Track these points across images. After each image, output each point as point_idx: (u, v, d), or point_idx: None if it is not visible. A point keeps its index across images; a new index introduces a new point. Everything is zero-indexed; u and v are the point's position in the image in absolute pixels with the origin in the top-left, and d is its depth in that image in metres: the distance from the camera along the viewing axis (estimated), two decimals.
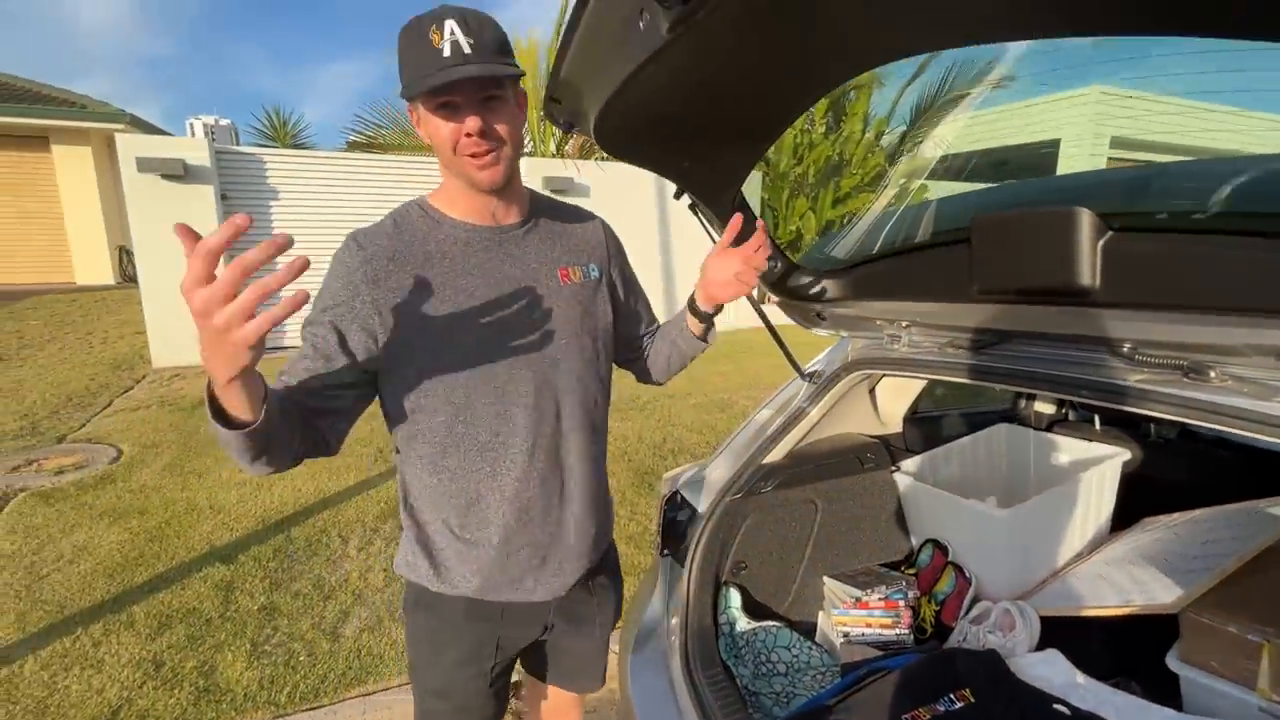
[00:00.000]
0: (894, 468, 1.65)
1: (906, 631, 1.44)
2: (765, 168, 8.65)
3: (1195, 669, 1.10)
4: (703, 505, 1.45)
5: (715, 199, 1.22)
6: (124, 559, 2.83)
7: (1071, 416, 1.96)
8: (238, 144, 8.25)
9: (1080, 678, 1.13)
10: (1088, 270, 0.88)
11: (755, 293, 1.37)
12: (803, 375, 1.54)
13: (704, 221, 1.28)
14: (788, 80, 0.91)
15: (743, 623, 1.40)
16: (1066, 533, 1.49)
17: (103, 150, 11.00)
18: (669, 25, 0.69)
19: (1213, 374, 0.83)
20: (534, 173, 7.79)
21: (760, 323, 1.37)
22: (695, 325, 1.12)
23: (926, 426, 1.88)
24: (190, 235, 0.62)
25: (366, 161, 7.72)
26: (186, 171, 6.37)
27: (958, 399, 2.10)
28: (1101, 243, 0.86)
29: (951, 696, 1.10)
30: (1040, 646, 1.27)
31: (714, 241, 1.33)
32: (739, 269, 1.01)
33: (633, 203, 8.13)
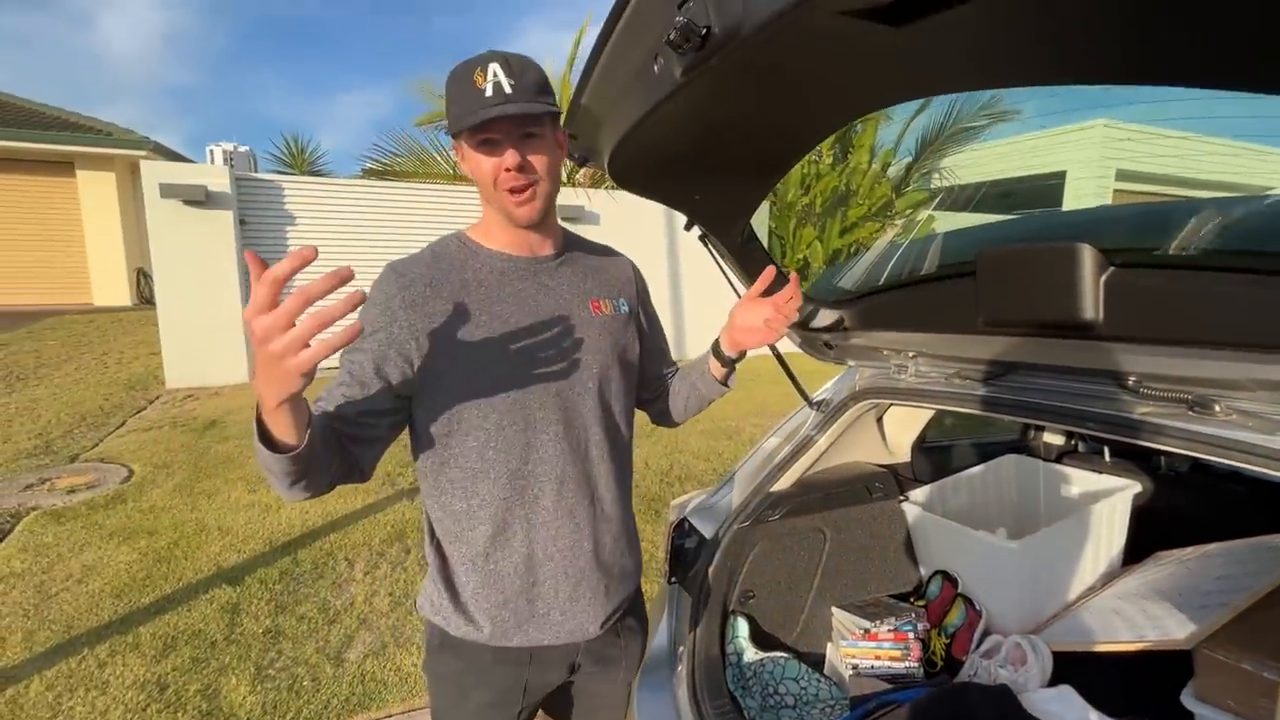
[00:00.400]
0: (902, 497, 1.64)
1: (916, 664, 1.42)
2: (773, 197, 8.76)
3: (1211, 707, 1.08)
4: (711, 533, 1.45)
5: (725, 230, 1.25)
6: (132, 579, 2.84)
7: (1081, 448, 1.95)
8: (256, 170, 8.45)
9: (1094, 715, 1.12)
10: (1091, 305, 0.90)
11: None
12: (811, 404, 1.55)
13: (714, 252, 1.31)
14: (796, 120, 0.94)
15: (750, 653, 1.39)
16: (1078, 565, 1.48)
17: (125, 175, 11.30)
18: (682, 70, 0.73)
19: (1218, 408, 0.84)
20: None
21: (767, 350, 1.39)
22: (717, 369, 1.13)
23: (935, 456, 1.87)
24: (258, 263, 0.64)
25: (382, 189, 7.89)
26: (208, 197, 6.53)
27: (966, 429, 2.10)
28: (1104, 278, 0.88)
29: None
30: (1053, 682, 1.25)
31: (723, 270, 1.36)
32: (770, 316, 1.03)
33: (642, 232, 8.23)
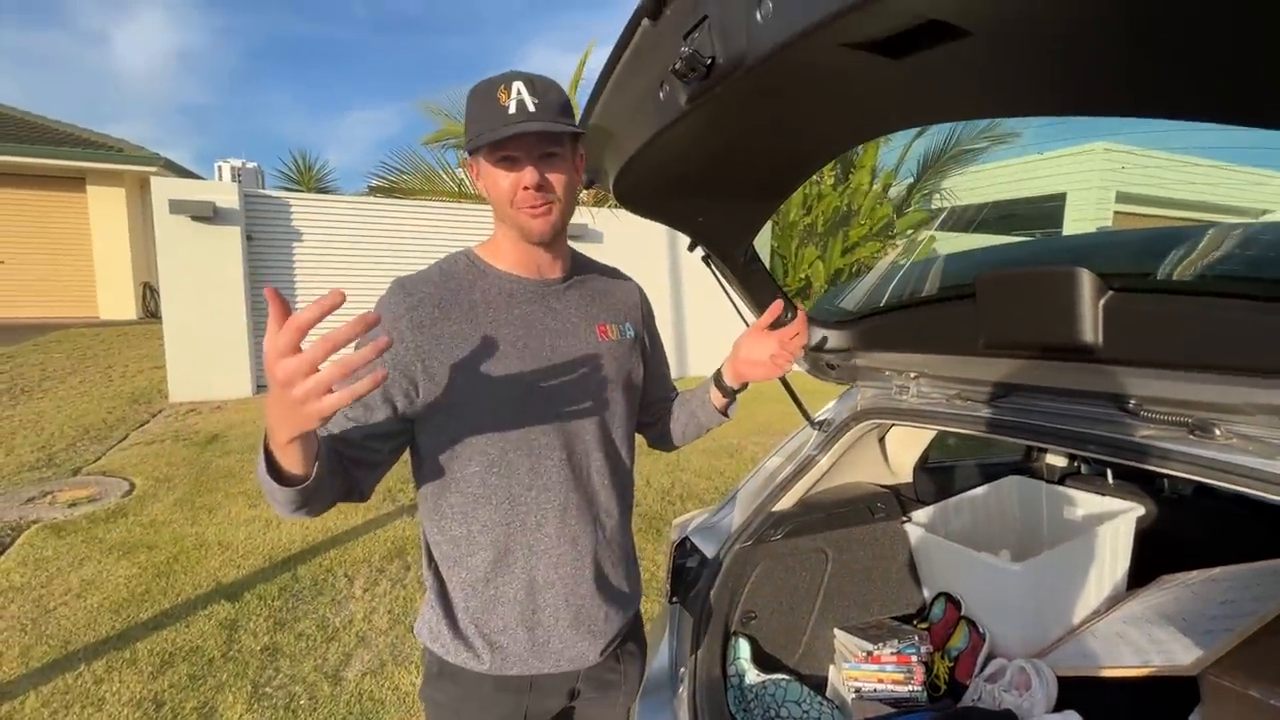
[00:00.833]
0: (905, 518, 1.64)
1: (919, 688, 1.41)
2: (775, 217, 8.83)
3: None
4: (712, 552, 1.45)
5: (728, 251, 1.27)
6: (130, 594, 2.83)
7: (1083, 470, 1.94)
8: (263, 187, 8.55)
9: None
10: (1090, 328, 0.91)
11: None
12: (812, 423, 1.55)
13: (717, 273, 1.33)
14: (798, 146, 0.96)
15: (752, 675, 1.38)
16: (1082, 589, 1.47)
17: (135, 191, 11.44)
18: (688, 98, 0.75)
19: (1218, 431, 0.85)
20: None
21: None
22: (718, 398, 1.12)
23: (937, 477, 1.87)
24: (279, 302, 0.64)
25: (388, 206, 7.97)
26: (216, 213, 6.61)
27: (967, 449, 2.10)
28: (1102, 302, 0.89)
29: None
30: (1058, 707, 1.24)
31: (726, 291, 1.38)
32: (775, 352, 1.02)
33: (645, 251, 8.28)
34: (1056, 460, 1.96)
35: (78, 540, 3.36)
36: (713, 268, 1.32)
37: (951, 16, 0.55)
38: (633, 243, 7.95)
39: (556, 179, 0.90)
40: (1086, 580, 1.48)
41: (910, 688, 1.40)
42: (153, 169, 10.76)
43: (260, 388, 7.10)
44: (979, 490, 1.75)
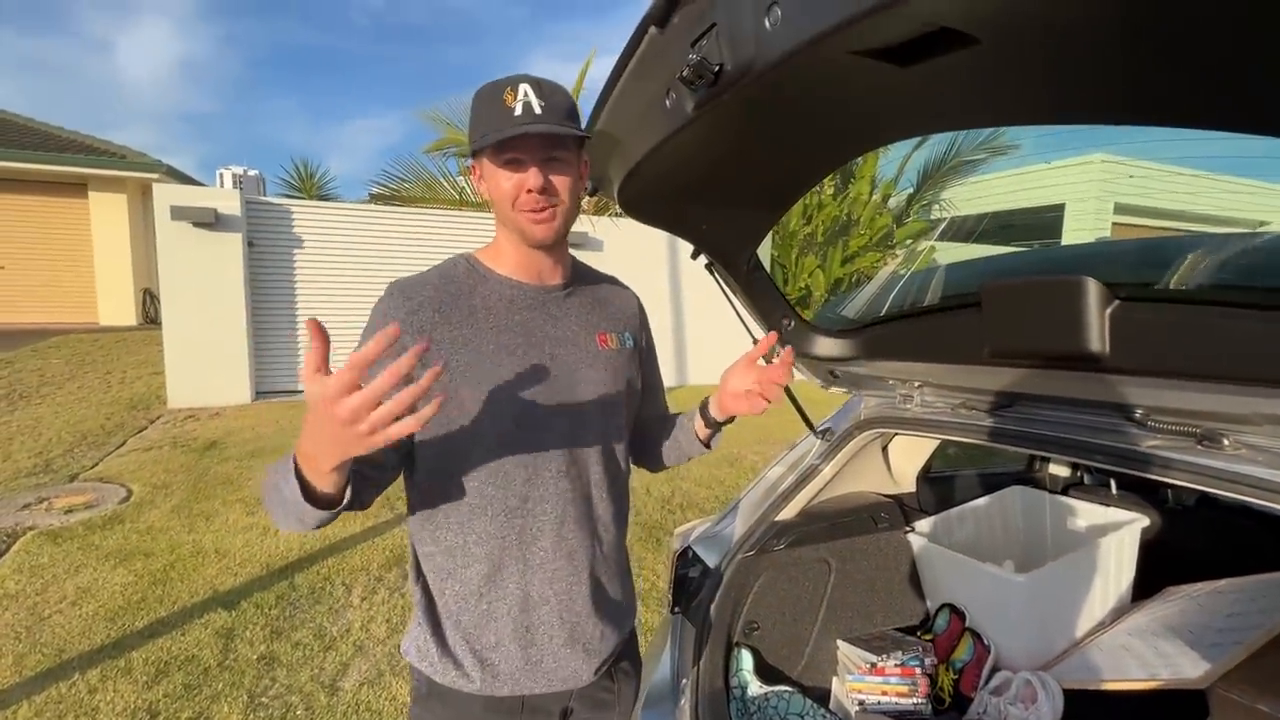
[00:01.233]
0: (908, 528, 1.63)
1: (924, 701, 1.39)
2: (775, 226, 8.86)
3: None
4: (714, 562, 1.44)
5: (732, 259, 1.26)
6: (126, 602, 2.80)
7: (1087, 480, 1.94)
8: (264, 194, 8.58)
9: None
10: (1096, 337, 0.90)
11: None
12: (815, 432, 1.55)
13: (720, 281, 1.32)
14: (804, 154, 0.96)
15: (755, 686, 1.37)
16: (1087, 601, 1.46)
17: (137, 197, 11.47)
18: (695, 105, 0.75)
19: (1226, 442, 0.84)
20: None
21: None
22: (702, 429, 1.09)
23: (940, 486, 1.86)
24: (321, 332, 0.63)
25: (389, 214, 7.98)
26: (217, 220, 6.62)
27: (970, 459, 2.09)
28: (1109, 311, 0.88)
29: None
30: None
31: (729, 299, 1.37)
32: (757, 387, 0.97)
33: (645, 259, 8.30)
34: (1060, 470, 1.95)
35: (74, 547, 3.34)
36: (716, 276, 1.31)
37: (961, 24, 0.55)
38: (633, 251, 7.97)
39: (560, 183, 0.88)
40: (1091, 592, 1.47)
41: (914, 700, 1.38)
42: (155, 175, 10.79)
43: (259, 395, 7.09)
44: (982, 500, 1.74)
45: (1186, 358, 0.84)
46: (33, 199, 11.24)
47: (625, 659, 1.09)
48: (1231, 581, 1.43)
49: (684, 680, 1.33)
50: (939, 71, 0.64)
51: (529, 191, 0.86)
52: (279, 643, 2.52)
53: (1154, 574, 1.53)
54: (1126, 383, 0.94)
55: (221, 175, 8.82)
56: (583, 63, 8.63)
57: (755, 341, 1.44)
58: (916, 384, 1.35)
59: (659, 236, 8.45)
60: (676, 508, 4.11)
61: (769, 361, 1.02)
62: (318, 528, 0.77)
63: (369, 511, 3.88)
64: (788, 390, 1.46)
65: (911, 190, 9.36)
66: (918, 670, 1.41)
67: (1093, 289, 0.89)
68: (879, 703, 1.39)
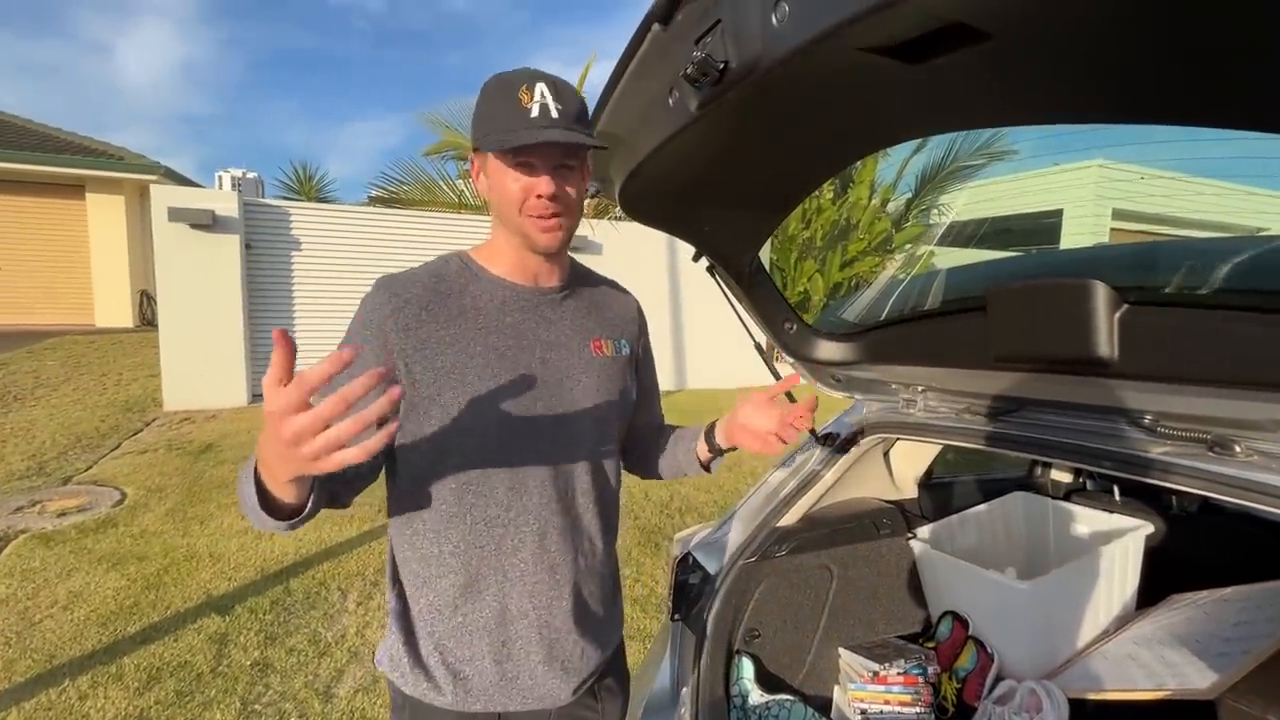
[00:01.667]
0: (910, 534, 1.61)
1: (927, 710, 1.38)
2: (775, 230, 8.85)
3: None
4: (715, 568, 1.42)
5: (733, 262, 1.25)
6: (119, 607, 2.77)
7: (1090, 486, 1.92)
8: (263, 196, 8.56)
9: None
10: (1105, 342, 0.89)
11: (767, 347, 1.38)
12: (817, 438, 1.53)
13: (721, 284, 1.31)
14: (808, 155, 0.95)
15: (755, 695, 1.35)
16: (1091, 608, 1.45)
17: (135, 199, 11.44)
18: (698, 104, 0.74)
19: (1238, 448, 0.83)
20: None
21: (768, 382, 1.37)
22: (703, 451, 1.06)
23: (941, 492, 1.85)
24: (285, 343, 0.60)
25: (387, 216, 7.97)
26: (215, 221, 6.60)
27: (971, 465, 2.07)
28: (1118, 315, 0.87)
29: None
30: None
31: (731, 303, 1.36)
32: (777, 429, 0.95)
33: (644, 262, 8.30)
34: (1062, 476, 1.94)
35: (66, 551, 3.31)
36: (718, 279, 1.30)
37: (973, 19, 0.53)
38: (632, 254, 7.97)
39: (570, 190, 0.86)
40: (1096, 600, 1.45)
41: (918, 709, 1.36)
42: (153, 177, 10.76)
43: (255, 397, 7.05)
44: (984, 506, 1.72)
45: (1197, 362, 0.83)
46: (30, 200, 11.21)
47: (610, 676, 1.05)
48: (1237, 589, 1.41)
49: (684, 688, 1.31)
50: (948, 69, 0.63)
51: (539, 197, 0.83)
52: (273, 648, 2.49)
53: (1158, 581, 1.52)
54: (1135, 387, 0.93)
55: (220, 178, 8.78)
56: (583, 67, 8.62)
57: (757, 346, 1.44)
58: (920, 388, 1.33)
59: (658, 239, 8.45)
60: (675, 512, 4.09)
61: (789, 396, 1.00)
62: (289, 530, 0.75)
63: (364, 515, 3.86)
64: (788, 394, 1.45)
65: (910, 195, 9.37)
66: (921, 679, 1.40)
67: (1101, 292, 0.88)
68: (881, 712, 1.37)
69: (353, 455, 0.61)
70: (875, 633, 1.56)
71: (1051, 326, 0.97)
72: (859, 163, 8.66)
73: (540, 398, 0.90)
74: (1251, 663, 1.14)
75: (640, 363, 1.08)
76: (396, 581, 0.93)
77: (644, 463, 1.15)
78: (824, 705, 1.45)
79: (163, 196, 6.55)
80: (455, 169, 9.32)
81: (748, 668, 1.37)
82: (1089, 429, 1.03)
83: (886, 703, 1.38)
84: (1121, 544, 1.48)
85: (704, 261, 1.27)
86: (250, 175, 9.05)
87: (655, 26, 0.72)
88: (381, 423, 0.62)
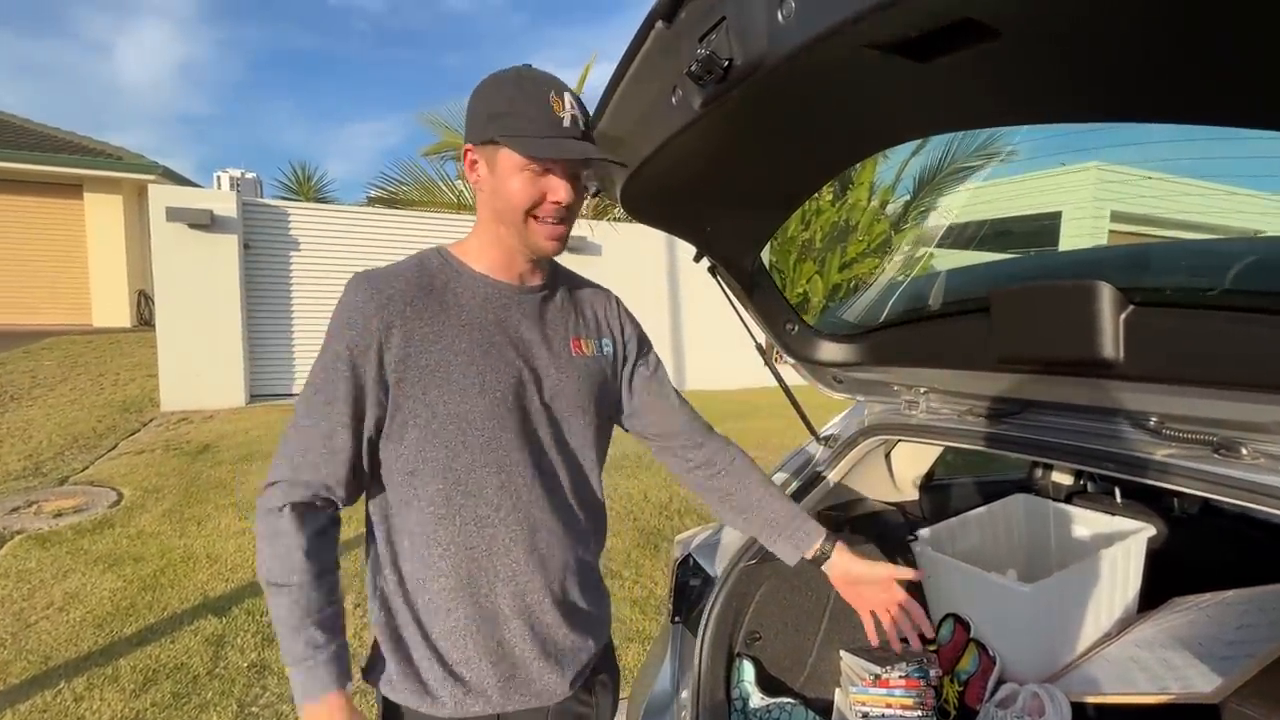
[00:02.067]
0: (911, 536, 1.61)
1: (929, 713, 1.37)
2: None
3: None
4: (716, 570, 1.41)
5: (735, 262, 1.24)
6: (115, 608, 2.76)
7: (1091, 488, 1.92)
8: (261, 196, 8.56)
9: None
10: (1110, 343, 0.88)
11: (767, 348, 1.37)
12: (818, 438, 1.52)
13: (723, 284, 1.30)
14: (812, 155, 0.94)
15: (756, 698, 1.34)
16: (1093, 611, 1.44)
17: (133, 199, 11.42)
18: (702, 102, 0.73)
19: (1244, 451, 0.82)
20: None
21: (768, 383, 1.37)
22: (790, 551, 1.05)
23: (942, 494, 1.84)
24: None
25: (386, 216, 7.97)
26: (213, 221, 6.59)
27: (972, 466, 2.07)
28: (1123, 316, 0.87)
29: None
30: None
31: (732, 303, 1.35)
32: (884, 616, 1.02)
33: (644, 262, 8.30)
34: (1063, 478, 1.93)
35: (62, 552, 3.29)
36: (719, 279, 1.29)
37: (982, 15, 0.53)
38: (631, 255, 7.97)
39: (577, 199, 0.88)
40: (1098, 602, 1.44)
41: (920, 713, 1.36)
42: (151, 177, 10.75)
43: (253, 397, 7.04)
44: (985, 508, 1.72)
45: (1203, 364, 0.83)
46: (28, 199, 11.18)
47: (603, 671, 1.05)
48: (1239, 592, 1.41)
49: (684, 691, 1.31)
50: (955, 68, 0.62)
51: (555, 203, 0.84)
52: (270, 650, 2.48)
53: (1159, 583, 1.51)
54: (1140, 389, 0.92)
55: (219, 178, 8.78)
56: (582, 69, 8.63)
57: (758, 346, 1.43)
58: (921, 390, 1.33)
59: (657, 241, 8.45)
60: (675, 514, 4.08)
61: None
62: None
63: (361, 518, 3.83)
64: (790, 396, 1.45)
65: (909, 197, 9.38)
66: (922, 682, 1.39)
67: (1106, 294, 0.87)
68: (883, 715, 1.36)
69: None
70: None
71: (1055, 328, 0.96)
72: (859, 164, 8.68)
73: (522, 396, 0.90)
74: (1255, 666, 1.13)
75: (631, 358, 1.06)
76: (379, 591, 0.92)
77: (687, 474, 1.11)
78: (825, 708, 1.44)
79: (161, 196, 6.54)
80: (454, 169, 9.32)
81: (748, 670, 1.36)
82: (1093, 431, 1.02)
83: (888, 706, 1.37)
84: (1123, 546, 1.48)
85: (705, 262, 1.27)
86: (249, 175, 9.05)
87: (659, 24, 0.71)
88: None
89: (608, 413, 1.03)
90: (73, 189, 11.30)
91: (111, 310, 11.49)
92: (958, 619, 1.52)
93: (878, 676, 1.40)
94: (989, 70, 0.64)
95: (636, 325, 1.08)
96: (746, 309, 1.35)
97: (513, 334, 0.91)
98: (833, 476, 1.47)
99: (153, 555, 3.28)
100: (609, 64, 0.81)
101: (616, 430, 1.09)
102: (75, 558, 3.23)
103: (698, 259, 1.26)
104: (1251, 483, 0.81)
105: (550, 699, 0.94)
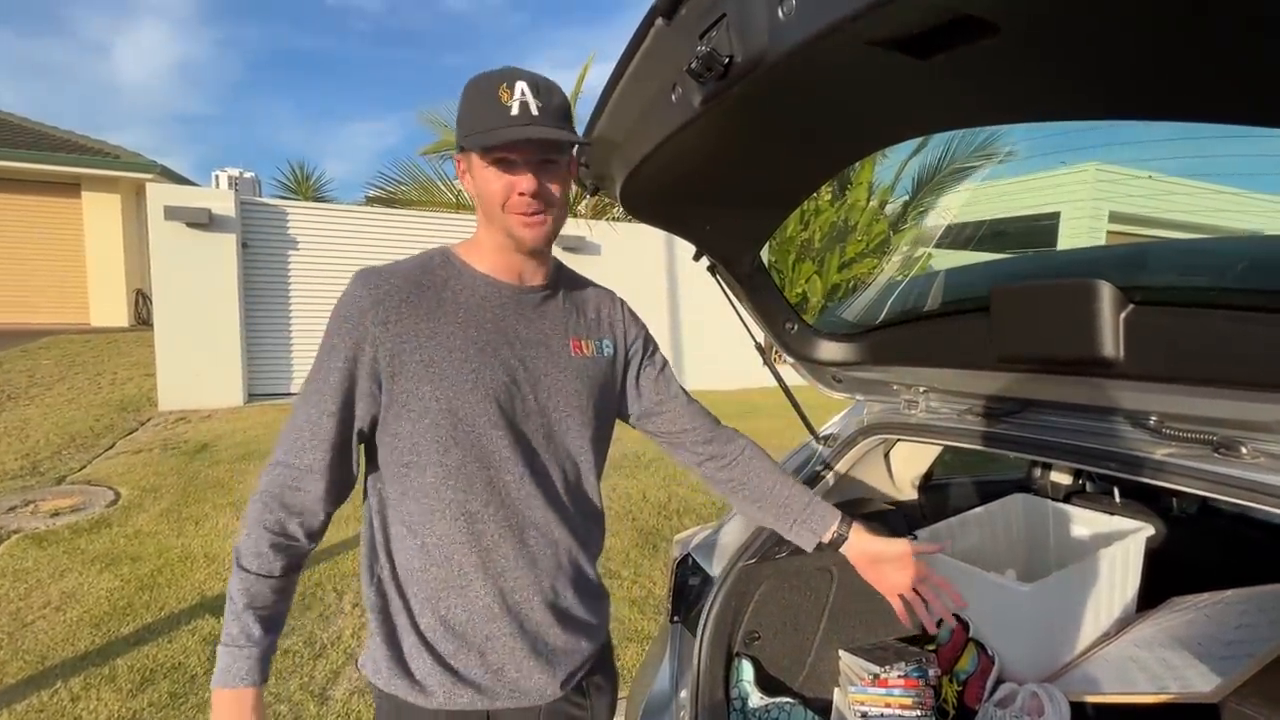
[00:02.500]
0: (911, 536, 1.60)
1: (928, 713, 1.37)
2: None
3: None
4: (715, 570, 1.41)
5: (735, 261, 1.24)
6: (112, 608, 2.75)
7: (1089, 488, 1.92)
8: (259, 195, 8.55)
9: None
10: (1110, 342, 0.88)
11: (766, 347, 1.37)
12: (817, 438, 1.52)
13: (722, 284, 1.30)
14: (812, 153, 0.94)
15: (755, 698, 1.34)
16: (1092, 611, 1.44)
17: (131, 198, 11.40)
18: (702, 99, 0.73)
19: (1244, 450, 0.82)
20: None
21: (767, 383, 1.37)
22: (808, 537, 1.03)
23: (941, 494, 1.84)
24: None
25: (384, 216, 7.96)
26: (211, 220, 6.57)
27: (970, 467, 2.07)
28: (1123, 315, 0.86)
29: None
30: None
31: (732, 303, 1.35)
32: (912, 602, 1.00)
33: (643, 262, 8.30)
34: (1061, 478, 1.93)
35: (59, 551, 3.28)
36: (718, 278, 1.29)
37: (982, 11, 0.53)
38: (630, 255, 7.97)
39: (553, 187, 0.86)
40: (1097, 602, 1.44)
41: (919, 712, 1.36)
42: (149, 176, 10.72)
43: (251, 397, 7.03)
44: (983, 508, 1.71)
45: (1203, 363, 0.82)
46: (25, 198, 11.15)
47: (598, 673, 1.04)
48: (1238, 592, 1.41)
49: (683, 691, 1.30)
50: (956, 64, 0.62)
51: (521, 195, 0.84)
52: None
53: (1159, 584, 1.51)
54: (1140, 388, 0.92)
55: (217, 177, 8.77)
56: (580, 68, 8.63)
57: (757, 346, 1.43)
58: (921, 389, 1.32)
59: (656, 240, 8.45)
60: (673, 513, 4.08)
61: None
62: None
63: (360, 517, 3.82)
64: (789, 395, 1.44)
65: (908, 197, 9.39)
66: (921, 681, 1.39)
67: (1107, 292, 0.87)
68: (882, 714, 1.36)
69: None
70: (876, 635, 1.55)
71: (1056, 327, 0.96)
72: (857, 164, 8.68)
73: (517, 395, 0.90)
74: (1255, 665, 1.13)
75: (636, 359, 1.06)
76: (376, 578, 0.93)
77: (698, 467, 1.10)
78: (824, 708, 1.44)
79: (159, 195, 6.53)
80: (453, 169, 9.30)
81: (748, 670, 1.36)
82: (1093, 430, 1.02)
83: (887, 705, 1.37)
84: (1122, 546, 1.48)
85: (704, 261, 1.27)
86: (247, 175, 9.04)
87: (659, 21, 0.71)
88: None
89: (607, 414, 1.02)
90: (70, 188, 11.27)
91: (109, 309, 11.47)
92: (957, 618, 1.52)
93: (877, 676, 1.40)
94: (989, 67, 0.64)
95: (641, 326, 1.08)
96: (746, 308, 1.34)
97: (510, 333, 0.91)
98: (831, 476, 1.47)
99: (150, 555, 3.27)
100: (608, 64, 0.81)
101: (615, 429, 1.09)
102: (72, 557, 3.22)
103: (697, 258, 1.26)
104: (1252, 481, 0.80)
105: (540, 699, 0.94)
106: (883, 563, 1.01)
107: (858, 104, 0.77)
